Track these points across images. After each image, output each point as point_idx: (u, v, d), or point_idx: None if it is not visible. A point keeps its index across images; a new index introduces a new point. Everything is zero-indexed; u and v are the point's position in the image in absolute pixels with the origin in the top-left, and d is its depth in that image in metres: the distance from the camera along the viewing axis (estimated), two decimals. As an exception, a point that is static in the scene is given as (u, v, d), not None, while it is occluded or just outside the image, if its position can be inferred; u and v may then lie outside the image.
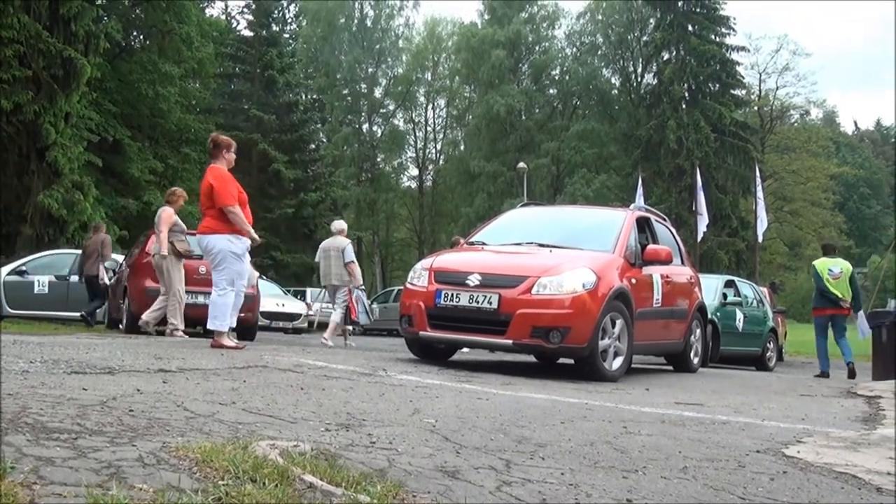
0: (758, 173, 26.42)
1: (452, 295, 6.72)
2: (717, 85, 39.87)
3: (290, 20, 41.38)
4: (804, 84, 55.23)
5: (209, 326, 7.18)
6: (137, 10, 26.60)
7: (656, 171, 37.63)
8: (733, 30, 40.17)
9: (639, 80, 46.93)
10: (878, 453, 3.60)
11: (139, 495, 1.78)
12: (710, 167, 35.58)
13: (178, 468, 2.03)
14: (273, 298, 19.12)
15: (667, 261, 7.68)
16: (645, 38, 43.94)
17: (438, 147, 54.35)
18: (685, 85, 38.92)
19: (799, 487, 2.78)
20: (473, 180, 44.78)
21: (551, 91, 49.59)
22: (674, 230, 9.48)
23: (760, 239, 27.06)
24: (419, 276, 7.14)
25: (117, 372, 4.04)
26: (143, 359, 5.16)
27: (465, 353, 9.19)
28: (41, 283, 13.74)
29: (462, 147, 51.48)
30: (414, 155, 53.38)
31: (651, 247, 7.72)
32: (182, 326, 9.08)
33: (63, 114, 16.30)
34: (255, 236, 7.36)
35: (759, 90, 49.42)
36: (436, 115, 54.22)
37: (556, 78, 49.54)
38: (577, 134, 44.42)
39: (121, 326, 10.80)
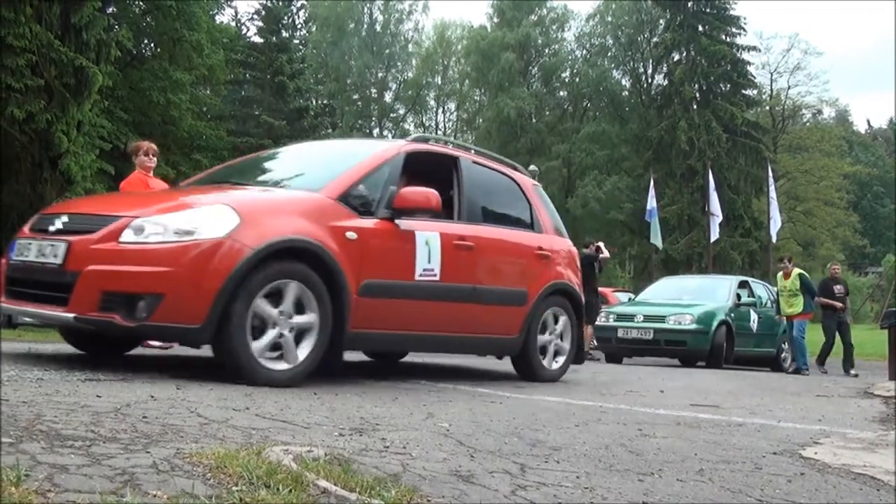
0: (770, 173, 26.31)
1: (26, 246, 4.64)
2: (729, 85, 39.70)
3: (299, 26, 41.46)
4: (816, 83, 54.83)
5: None
6: (148, 18, 26.72)
7: (668, 172, 37.48)
8: (744, 29, 40.02)
9: (649, 81, 46.80)
10: (896, 454, 3.57)
11: (153, 502, 1.78)
12: (722, 168, 35.41)
13: (192, 474, 2.03)
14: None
15: (431, 209, 5.27)
16: (655, 39, 43.80)
17: (449, 151, 54.31)
18: (696, 85, 38.78)
19: (816, 489, 2.75)
20: (484, 183, 44.70)
21: (561, 93, 49.53)
22: (530, 184, 6.98)
23: (774, 239, 26.93)
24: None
25: (131, 379, 4.05)
26: (157, 365, 5.16)
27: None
28: None
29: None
30: (425, 159, 53.34)
31: (405, 191, 5.22)
32: None
33: (75, 122, 16.37)
34: None
35: (771, 90, 49.19)
36: (446, 119, 54.31)
37: (567, 80, 49.44)
38: (587, 136, 44.32)
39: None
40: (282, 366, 4.52)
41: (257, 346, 4.40)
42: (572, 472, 2.66)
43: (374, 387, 4.99)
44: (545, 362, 6.45)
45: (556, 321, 6.63)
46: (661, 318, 12.39)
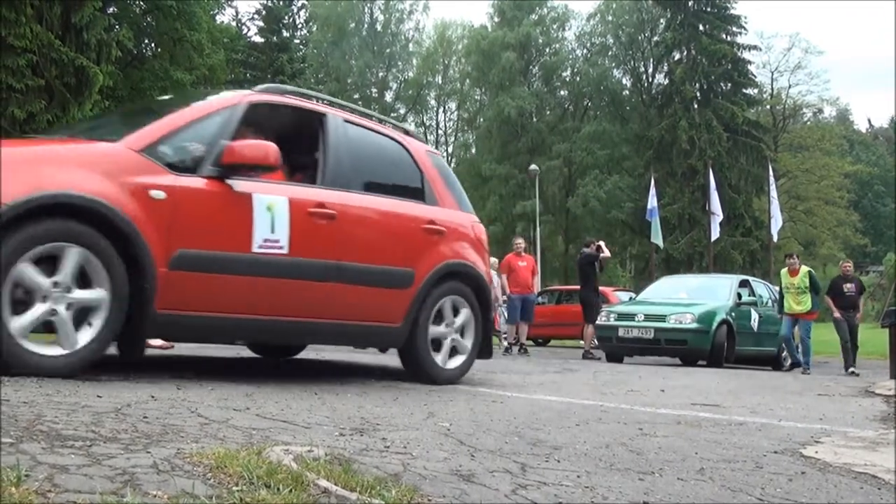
0: (771, 172, 26.30)
1: None
2: (729, 84, 39.70)
3: (300, 25, 41.44)
4: (817, 82, 54.82)
5: None
6: (148, 18, 26.73)
7: (669, 171, 37.46)
8: (744, 28, 40.02)
9: (650, 80, 46.77)
10: (897, 453, 3.57)
11: (154, 502, 1.78)
12: (723, 167, 35.40)
13: (193, 474, 2.03)
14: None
15: (269, 166, 4.52)
16: (655, 39, 43.79)
17: (450, 150, 54.34)
18: (697, 84, 38.78)
19: (817, 488, 2.75)
20: (485, 183, 44.74)
21: (562, 92, 49.49)
22: (423, 151, 5.99)
23: (775, 238, 26.91)
24: None
25: (132, 379, 4.05)
26: (158, 365, 5.17)
27: None
28: None
29: (473, 150, 51.48)
30: (425, 158, 53.36)
31: (237, 144, 4.44)
32: None
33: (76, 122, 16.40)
34: None
35: (772, 89, 49.14)
36: (447, 119, 54.32)
37: (567, 79, 49.41)
38: (588, 135, 44.29)
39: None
40: (54, 351, 3.77)
41: (18, 323, 3.64)
42: (573, 472, 2.66)
43: (374, 386, 5.00)
44: (439, 359, 5.51)
45: (455, 312, 5.65)
46: (662, 318, 12.38)
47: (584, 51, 49.57)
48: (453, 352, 5.66)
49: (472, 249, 5.86)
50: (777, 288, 12.95)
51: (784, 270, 12.33)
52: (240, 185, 4.47)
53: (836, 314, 12.37)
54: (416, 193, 5.68)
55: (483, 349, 5.90)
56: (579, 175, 44.42)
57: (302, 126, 5.33)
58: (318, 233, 4.83)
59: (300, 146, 5.30)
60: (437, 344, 5.54)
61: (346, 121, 5.37)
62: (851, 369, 11.88)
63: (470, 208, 6.20)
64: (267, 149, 4.45)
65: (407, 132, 6.06)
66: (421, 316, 5.36)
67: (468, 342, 5.73)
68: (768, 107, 48.28)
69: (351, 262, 4.97)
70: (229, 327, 4.59)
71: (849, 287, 12.59)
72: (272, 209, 4.58)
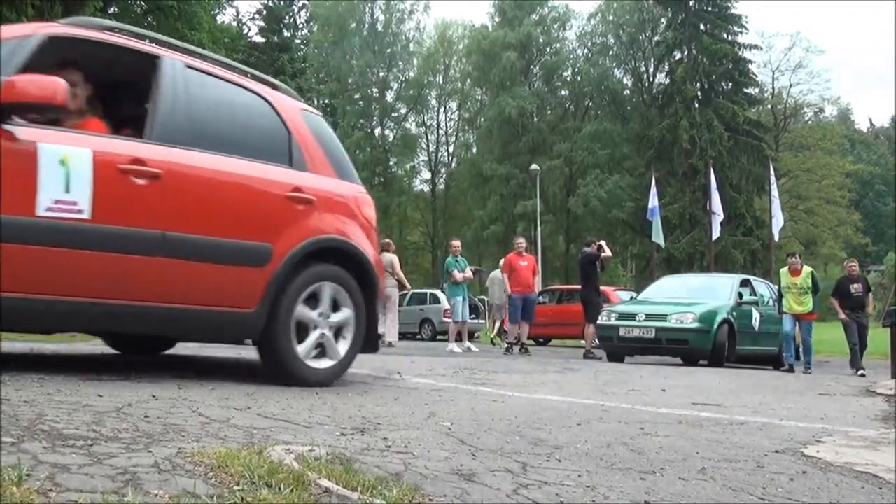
0: (772, 171, 26.29)
1: None
2: (730, 83, 39.77)
3: (301, 25, 41.53)
4: (818, 81, 54.99)
5: None
6: (149, 18, 26.75)
7: (669, 170, 37.50)
8: (745, 28, 40.11)
9: (651, 79, 46.81)
10: (898, 452, 3.56)
11: (155, 501, 1.78)
12: (724, 166, 35.43)
13: (194, 474, 2.03)
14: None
15: (56, 107, 3.72)
16: (656, 38, 43.84)
17: (451, 150, 54.38)
18: (698, 84, 38.82)
19: (819, 487, 2.75)
20: (486, 183, 44.77)
21: (563, 92, 49.55)
22: (295, 108, 5.09)
23: (777, 237, 26.91)
24: None
25: (133, 378, 4.05)
26: (158, 365, 5.17)
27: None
28: None
29: (474, 150, 51.49)
30: (426, 158, 53.47)
31: (17, 79, 3.65)
32: None
33: (77, 122, 16.43)
34: None
35: (773, 88, 49.22)
36: (448, 119, 54.30)
37: (568, 79, 49.48)
38: (589, 135, 44.32)
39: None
40: None
41: None
42: (574, 471, 2.66)
43: (375, 386, 4.99)
44: (303, 350, 4.57)
45: (333, 301, 4.74)
46: (663, 317, 12.37)
47: (585, 50, 49.68)
48: (325, 350, 4.73)
49: (355, 225, 4.99)
50: (776, 286, 12.87)
51: (784, 270, 12.22)
52: (24, 131, 3.66)
53: (842, 315, 12.28)
54: (280, 156, 4.76)
55: (366, 344, 4.98)
56: (580, 175, 44.46)
57: (133, 70, 4.47)
58: (134, 195, 3.97)
59: (130, 94, 4.44)
60: (303, 335, 4.61)
61: (190, 66, 4.52)
62: (860, 371, 11.79)
63: (355, 178, 5.31)
64: (56, 86, 3.66)
65: (275, 86, 5.13)
66: (282, 301, 4.44)
67: (348, 336, 4.81)
68: (769, 106, 48.34)
69: (181, 233, 4.11)
70: (14, 311, 3.61)
71: (855, 287, 12.46)
72: (67, 163, 3.73)
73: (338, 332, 4.77)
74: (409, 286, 16.92)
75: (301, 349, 4.53)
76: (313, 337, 4.63)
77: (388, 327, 13.41)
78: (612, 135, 44.49)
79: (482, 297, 28.14)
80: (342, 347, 4.79)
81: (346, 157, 5.39)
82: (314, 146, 4.97)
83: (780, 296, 12.25)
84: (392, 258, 13.56)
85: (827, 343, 17.93)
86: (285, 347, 4.48)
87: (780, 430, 4.12)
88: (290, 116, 4.93)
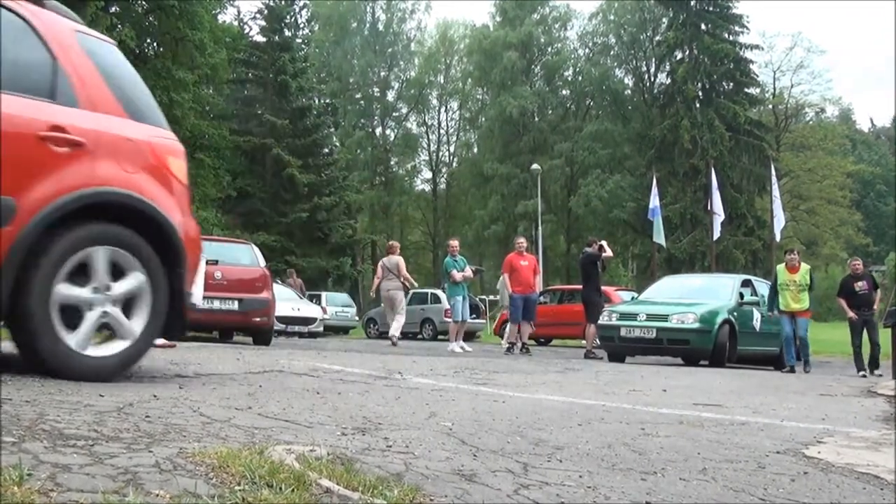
0: (773, 172, 26.29)
1: None
2: (731, 83, 39.77)
3: (302, 25, 41.48)
4: (819, 81, 54.91)
5: None
6: (151, 18, 26.75)
7: (670, 170, 37.50)
8: (746, 28, 40.11)
9: (652, 79, 46.79)
10: (900, 453, 3.56)
11: (156, 501, 1.78)
12: (725, 166, 35.44)
13: (195, 474, 2.03)
14: (288, 302, 19.16)
15: None
16: (658, 38, 43.82)
17: (452, 150, 54.39)
18: (699, 84, 38.81)
19: (820, 488, 2.75)
20: (487, 182, 44.78)
21: (564, 92, 49.53)
22: (64, 30, 4.00)
23: (778, 237, 26.90)
24: None
25: (134, 378, 4.05)
26: (160, 364, 5.17)
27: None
28: None
29: (475, 149, 51.52)
30: (427, 158, 53.50)
31: None
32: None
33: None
34: None
35: (774, 88, 49.17)
36: (449, 118, 54.31)
37: (569, 79, 49.46)
38: (590, 134, 44.32)
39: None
40: None
41: None
42: (575, 472, 2.66)
43: (376, 386, 4.99)
44: (75, 341, 3.67)
45: (117, 273, 3.81)
46: (664, 317, 12.36)
47: (586, 50, 49.67)
48: (111, 332, 3.88)
49: (149, 177, 3.97)
50: (771, 284, 12.73)
51: (781, 267, 12.13)
52: None
53: (850, 314, 12.16)
54: (38, 88, 3.76)
55: (172, 325, 4.10)
56: (581, 174, 44.46)
57: None
58: None
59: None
60: (73, 315, 3.69)
61: (32, 13, 3.81)
62: (861, 372, 11.71)
63: (157, 120, 4.35)
64: None
65: (40, 2, 4.02)
66: (33, 273, 3.52)
67: (135, 323, 3.87)
68: (770, 106, 48.31)
69: None
70: None
71: (860, 285, 12.27)
72: None
73: (128, 306, 3.85)
74: (416, 284, 17.18)
75: (74, 339, 3.65)
76: (90, 320, 3.73)
77: (394, 326, 13.51)
78: (613, 135, 44.48)
79: (482, 296, 28.15)
80: (137, 324, 3.86)
81: (146, 93, 4.44)
82: (92, 77, 3.96)
83: (775, 293, 12.12)
84: (398, 260, 13.60)
85: (827, 343, 17.92)
86: (47, 331, 3.57)
87: (782, 431, 4.12)
88: (55, 38, 3.91)
